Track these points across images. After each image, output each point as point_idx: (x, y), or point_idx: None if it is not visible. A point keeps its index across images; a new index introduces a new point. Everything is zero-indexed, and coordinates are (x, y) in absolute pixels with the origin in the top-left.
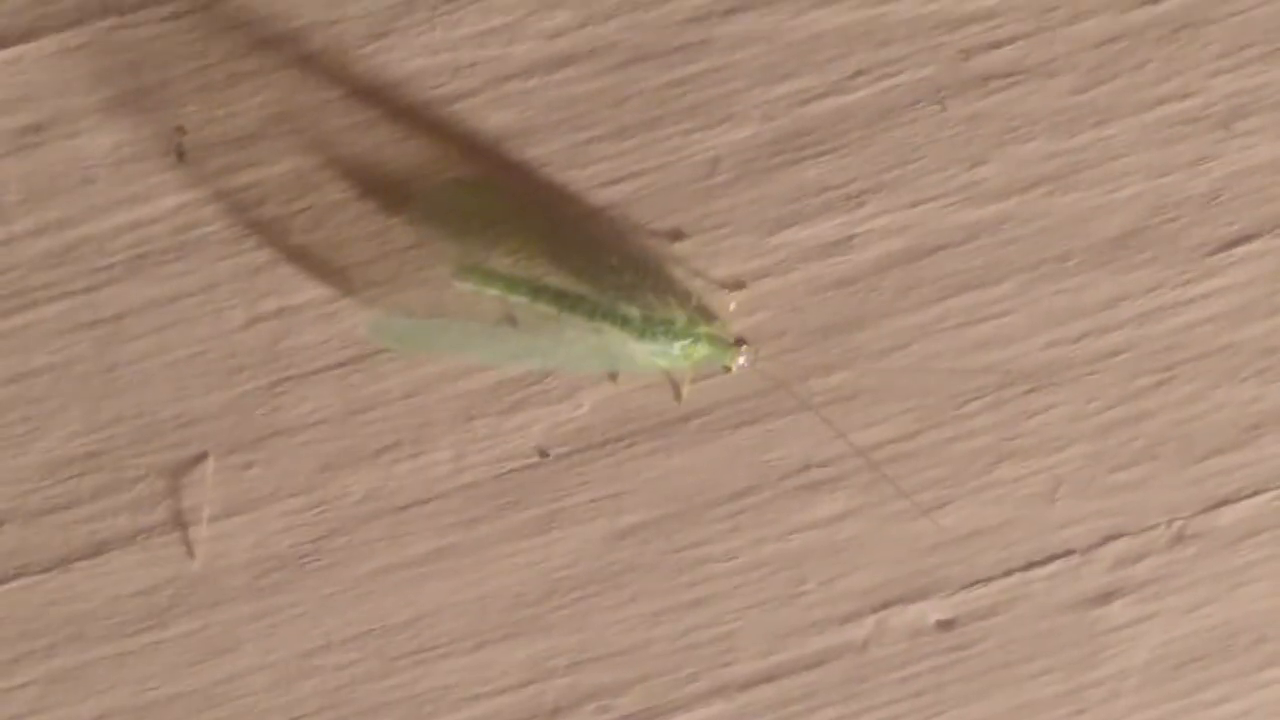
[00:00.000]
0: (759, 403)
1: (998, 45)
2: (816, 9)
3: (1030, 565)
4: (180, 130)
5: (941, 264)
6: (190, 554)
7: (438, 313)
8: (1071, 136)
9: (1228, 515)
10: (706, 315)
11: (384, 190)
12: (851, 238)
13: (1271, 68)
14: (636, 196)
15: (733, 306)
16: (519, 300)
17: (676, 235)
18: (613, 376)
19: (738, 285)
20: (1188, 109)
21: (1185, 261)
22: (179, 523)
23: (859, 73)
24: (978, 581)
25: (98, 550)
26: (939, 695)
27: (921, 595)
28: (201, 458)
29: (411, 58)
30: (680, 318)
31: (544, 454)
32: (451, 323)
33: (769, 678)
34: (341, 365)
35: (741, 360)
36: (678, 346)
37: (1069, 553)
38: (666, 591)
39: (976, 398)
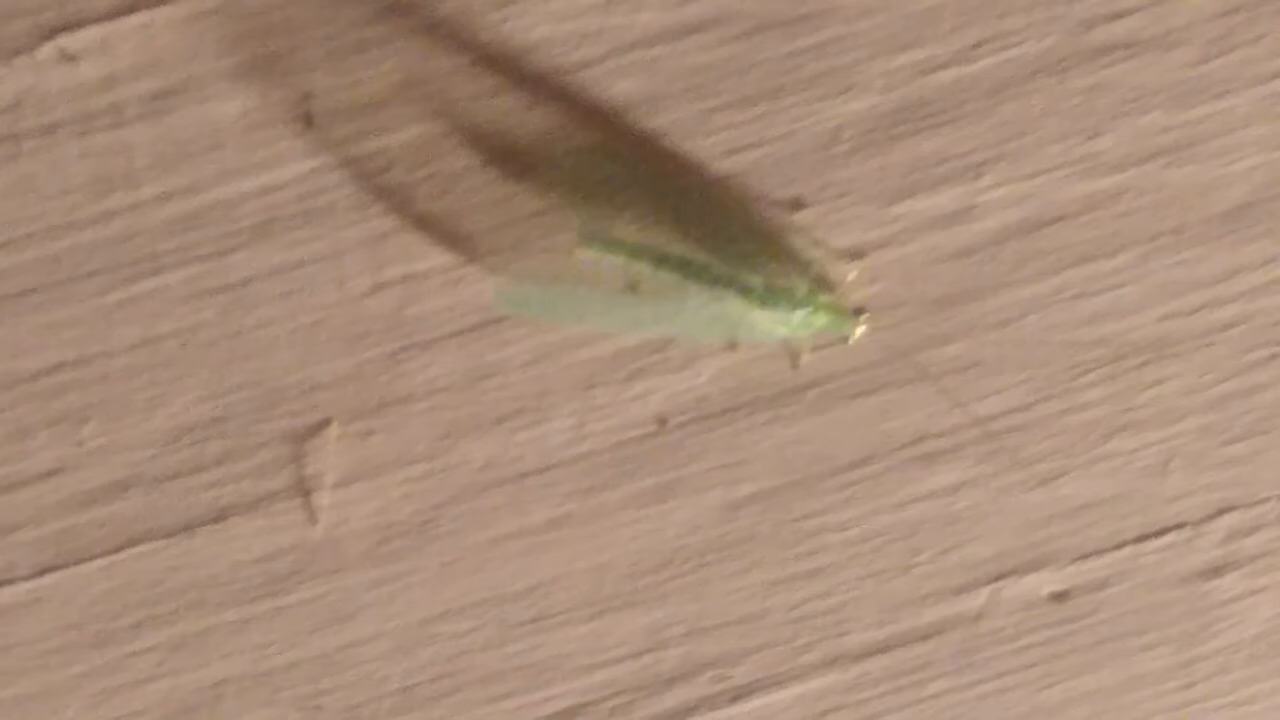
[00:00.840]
0: (876, 373)
1: (1117, 16)
2: None
3: (1143, 538)
4: (308, 96)
5: (1059, 235)
6: (312, 520)
7: (561, 280)
8: (1189, 109)
9: None
10: (826, 284)
11: (509, 158)
12: (970, 208)
13: None
14: (758, 165)
15: (852, 276)
16: (641, 268)
17: (797, 204)
18: (732, 345)
19: (857, 255)
20: None
21: None
22: (301, 489)
23: (980, 43)
24: (1090, 554)
25: (220, 516)
26: (1051, 667)
27: (1035, 567)
28: (325, 424)
29: (538, 25)
30: (800, 286)
31: (662, 423)
32: (574, 290)
33: (883, 648)
34: (464, 332)
35: (860, 329)
36: (798, 315)
37: (1181, 525)
38: (782, 561)
39: (1092, 369)
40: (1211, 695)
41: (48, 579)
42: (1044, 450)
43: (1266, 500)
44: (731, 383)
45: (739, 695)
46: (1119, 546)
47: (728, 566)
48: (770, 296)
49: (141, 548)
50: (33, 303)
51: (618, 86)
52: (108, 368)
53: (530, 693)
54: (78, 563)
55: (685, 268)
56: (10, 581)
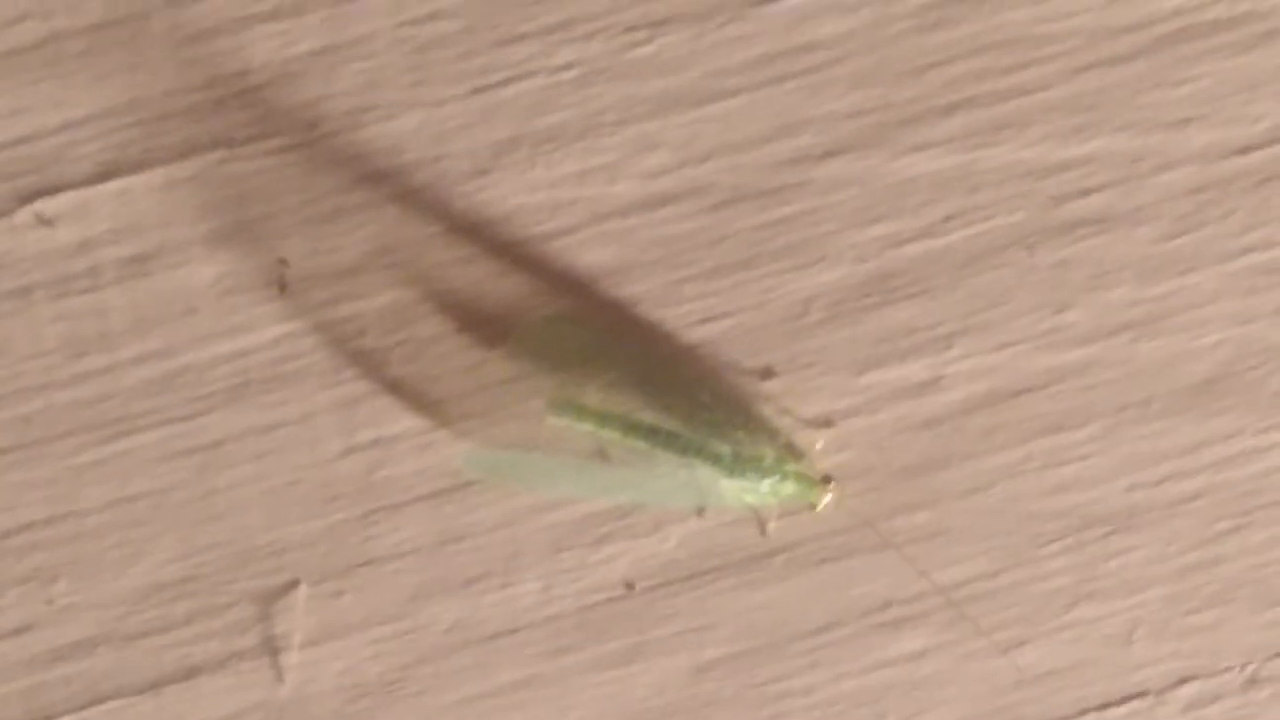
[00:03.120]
0: (843, 540)
1: (1087, 193)
2: (910, 154)
3: (1106, 705)
4: (283, 263)
5: (1026, 407)
6: (280, 679)
7: (531, 446)
8: (1157, 284)
9: None
10: (794, 453)
11: (481, 325)
12: (938, 379)
13: None
14: (729, 335)
15: (820, 445)
16: (611, 435)
17: (767, 373)
18: (700, 511)
19: (826, 424)
20: (1272, 259)
21: (1267, 408)
22: (270, 648)
23: (950, 217)
24: None
25: (189, 674)
26: None
27: None
28: (294, 585)
29: (512, 195)
30: (769, 455)
31: (630, 587)
32: (544, 456)
33: None
34: (434, 496)
35: (827, 498)
36: (766, 483)
37: (1144, 694)
38: None
39: (1057, 539)
40: None
41: None
42: (1008, 618)
43: (1228, 670)
44: (699, 548)
45: None
46: (1082, 714)
47: None
48: (738, 465)
49: (110, 705)
50: (6, 462)
51: (591, 255)
52: (79, 527)
53: None
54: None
55: (654, 436)
56: None
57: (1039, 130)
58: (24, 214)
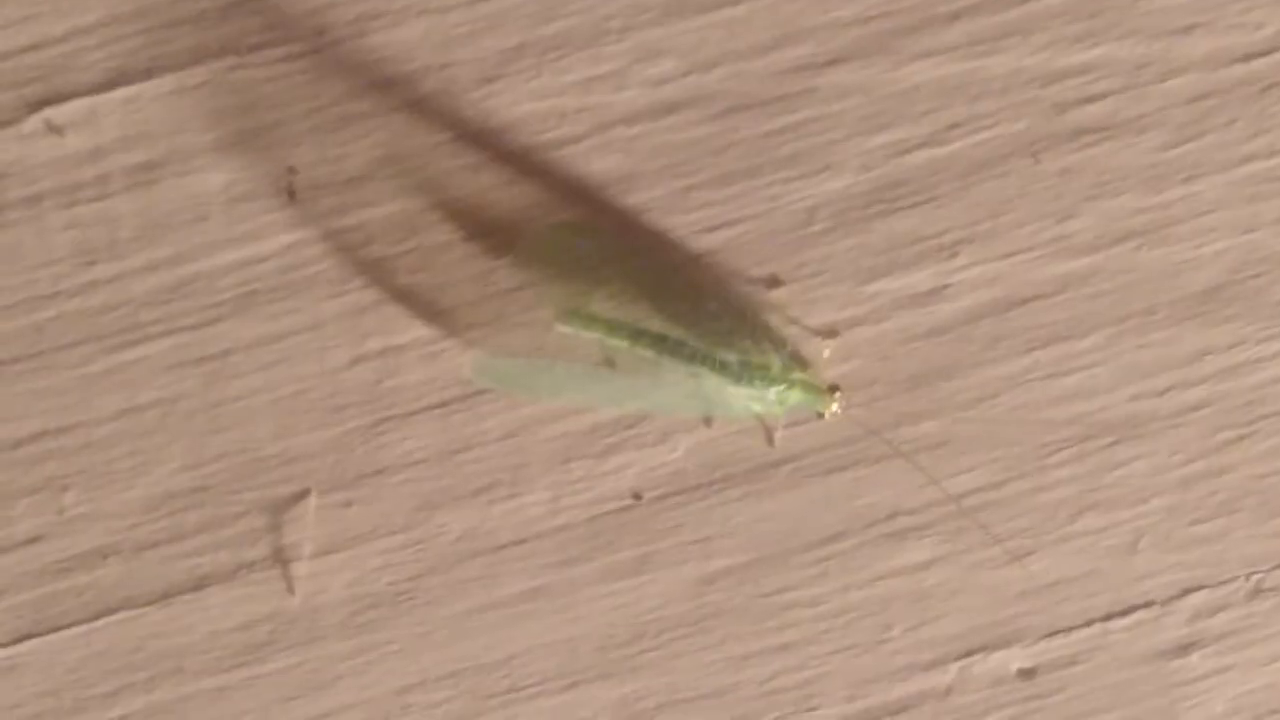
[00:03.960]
0: (850, 449)
1: (1090, 100)
2: (914, 62)
3: (1110, 615)
4: (291, 170)
5: (1031, 315)
6: (290, 590)
7: (538, 355)
8: (1160, 192)
9: None
10: (801, 362)
11: (489, 233)
12: (944, 288)
13: None
14: (735, 243)
15: (826, 353)
16: (618, 344)
17: (773, 282)
18: (707, 420)
19: (831, 333)
20: (1275, 167)
21: (1269, 317)
22: (279, 559)
23: (954, 125)
24: (1059, 631)
25: (199, 585)
26: None
27: (1004, 643)
28: (303, 495)
29: (519, 103)
30: (776, 363)
31: (637, 497)
32: (552, 364)
33: None
34: (442, 405)
35: (834, 406)
36: (773, 392)
37: (1149, 604)
38: (754, 635)
39: (1062, 448)
40: None
41: (25, 646)
42: (1014, 528)
43: (1233, 580)
44: (706, 458)
45: None
46: (1087, 624)
47: (700, 640)
48: (745, 373)
49: (120, 615)
50: (15, 371)
51: (597, 164)
52: (89, 436)
53: None
54: (56, 630)
55: (661, 344)
56: None
57: (1042, 37)
58: (33, 122)
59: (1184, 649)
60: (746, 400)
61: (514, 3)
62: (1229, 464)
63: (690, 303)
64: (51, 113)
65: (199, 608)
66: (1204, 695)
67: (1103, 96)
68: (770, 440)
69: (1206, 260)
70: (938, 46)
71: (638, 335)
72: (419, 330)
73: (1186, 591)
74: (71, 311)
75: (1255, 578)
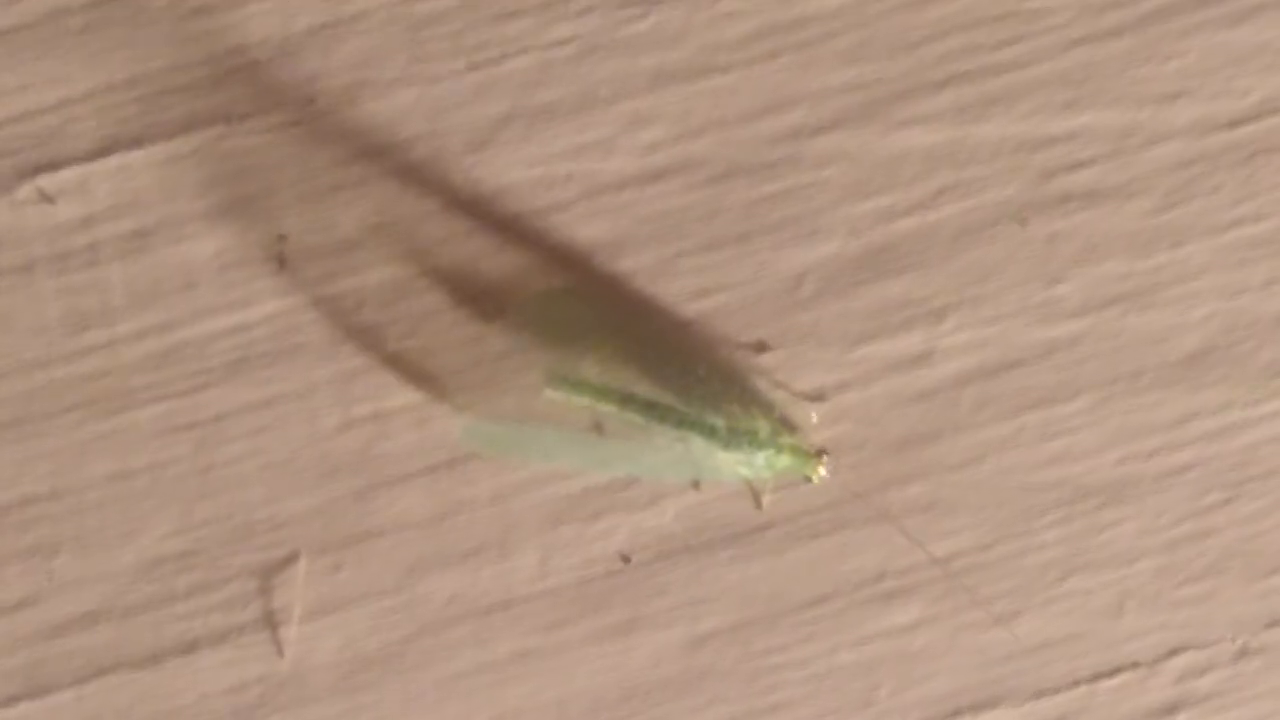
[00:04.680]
0: (837, 513)
1: (1077, 167)
2: (902, 129)
3: (1097, 677)
4: (282, 238)
5: (1018, 380)
6: (280, 653)
7: (528, 419)
8: (1147, 257)
9: None
10: (789, 426)
11: (478, 299)
12: (931, 352)
13: None
14: (723, 309)
15: (814, 418)
16: (607, 409)
17: (761, 347)
18: (696, 484)
19: (819, 397)
20: (1261, 232)
21: (1255, 381)
22: (269, 622)
23: (942, 191)
24: (1046, 692)
25: (189, 648)
26: None
27: (992, 704)
28: (293, 558)
29: (509, 169)
30: (764, 428)
31: (626, 559)
32: (541, 429)
33: None
34: (432, 470)
35: (822, 471)
36: (761, 456)
37: (1135, 665)
38: (743, 697)
39: (1049, 511)
40: None
41: (17, 709)
42: (1001, 590)
43: (1219, 641)
44: (695, 521)
45: None
46: (1074, 685)
47: (689, 701)
48: (733, 438)
49: (111, 678)
50: (6, 436)
51: (585, 230)
52: (80, 501)
53: None
54: (47, 693)
55: (650, 409)
56: None
57: (1029, 105)
58: (25, 190)
59: (1171, 710)
60: (734, 464)
61: (503, 72)
62: (1215, 526)
63: (678, 368)
64: (44, 181)
65: (189, 670)
66: None
67: (1090, 163)
68: (758, 504)
69: (1193, 325)
70: (926, 114)
71: (626, 400)
72: (408, 395)
73: (1173, 652)
74: (62, 378)
75: (1241, 639)
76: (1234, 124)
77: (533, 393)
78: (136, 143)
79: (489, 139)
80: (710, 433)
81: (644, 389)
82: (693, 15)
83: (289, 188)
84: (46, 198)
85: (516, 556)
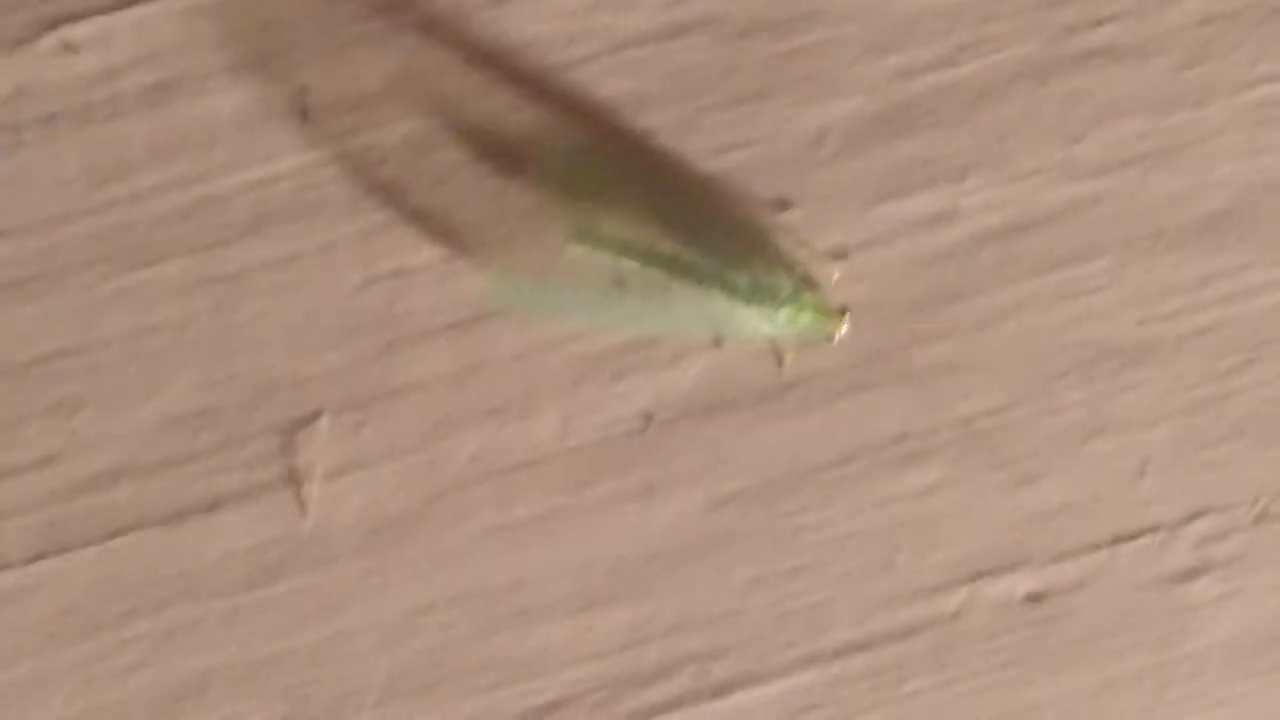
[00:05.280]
0: (858, 373)
1: (1098, 24)
2: None
3: (1117, 540)
4: (303, 91)
5: (1038, 239)
6: (302, 512)
7: (551, 275)
8: (1168, 116)
9: None
10: (810, 284)
11: (501, 154)
12: (952, 211)
13: None
14: (745, 165)
15: (836, 276)
16: (629, 265)
17: (783, 204)
18: (718, 342)
19: (841, 255)
20: None
21: (1276, 244)
22: (292, 480)
23: (963, 48)
24: (1066, 555)
25: (212, 506)
26: (1026, 667)
27: (1011, 567)
28: (315, 416)
29: (530, 23)
30: (785, 285)
31: (648, 419)
32: (563, 285)
33: (861, 647)
34: (454, 326)
35: (843, 328)
36: (782, 313)
37: (1156, 529)
38: (763, 559)
39: (1069, 372)
40: (1185, 698)
41: (39, 566)
42: (1021, 452)
43: (1240, 505)
44: (717, 381)
45: (720, 691)
46: (1094, 548)
47: (710, 563)
48: (755, 294)
49: (132, 536)
50: (28, 292)
51: (608, 85)
52: (101, 357)
53: (514, 685)
54: (69, 550)
55: (672, 265)
56: (2, 568)
57: None
58: (48, 41)
59: (1191, 574)
60: (756, 321)
61: None
62: (1236, 389)
63: (701, 225)
64: (66, 31)
65: (211, 529)
66: (1210, 620)
67: (1110, 20)
68: (780, 363)
69: (1214, 185)
70: None
71: (649, 256)
72: (431, 251)
73: (1193, 516)
74: (83, 232)
75: (1262, 503)
76: None
77: (556, 248)
78: None
79: None
80: (732, 289)
81: (666, 245)
82: None
83: (311, 41)
84: (70, 48)
85: (538, 415)
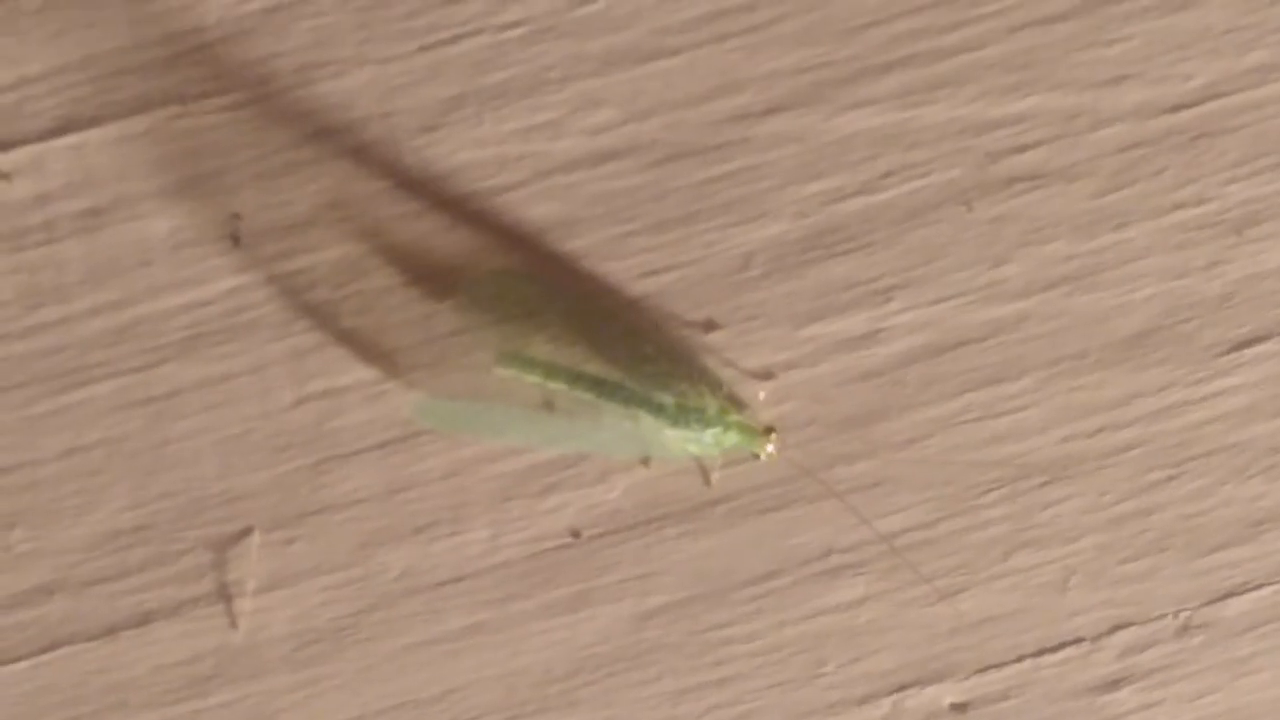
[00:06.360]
0: (785, 489)
1: (1022, 149)
2: (849, 111)
3: (1042, 652)
4: (236, 216)
5: (963, 359)
6: (233, 625)
7: (479, 396)
8: (1091, 239)
9: (1233, 607)
10: (737, 404)
11: (430, 278)
12: (878, 332)
13: None
14: (673, 288)
15: (762, 396)
16: (557, 386)
17: (710, 326)
18: (645, 461)
19: (767, 375)
20: (1203, 214)
21: (1197, 361)
22: (223, 595)
23: (888, 173)
24: (991, 666)
25: (143, 620)
26: None
27: (937, 678)
28: (247, 532)
29: (460, 150)
30: (712, 406)
31: (576, 535)
32: (491, 406)
33: None
34: (384, 445)
35: (770, 448)
36: (709, 434)
37: (1079, 640)
38: (691, 670)
39: (994, 489)
40: None
41: None
42: (946, 566)
43: (1162, 617)
44: (644, 497)
45: None
46: (1019, 660)
47: (638, 675)
48: (682, 415)
49: (65, 650)
50: None
51: (537, 210)
52: (36, 475)
53: None
54: (3, 664)
55: (599, 387)
56: None
57: (975, 88)
58: None
59: (1114, 684)
60: (683, 441)
61: (455, 53)
62: (1158, 504)
63: (628, 346)
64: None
65: (144, 643)
66: None
67: (1034, 146)
68: (707, 480)
69: (1137, 305)
70: (872, 96)
71: (576, 378)
72: (361, 372)
73: (1116, 628)
74: (18, 354)
75: (1184, 615)
76: (1177, 108)
77: (483, 370)
78: (92, 122)
79: (440, 120)
80: (659, 410)
81: (593, 367)
82: None
83: (243, 167)
84: (3, 176)
85: (468, 531)
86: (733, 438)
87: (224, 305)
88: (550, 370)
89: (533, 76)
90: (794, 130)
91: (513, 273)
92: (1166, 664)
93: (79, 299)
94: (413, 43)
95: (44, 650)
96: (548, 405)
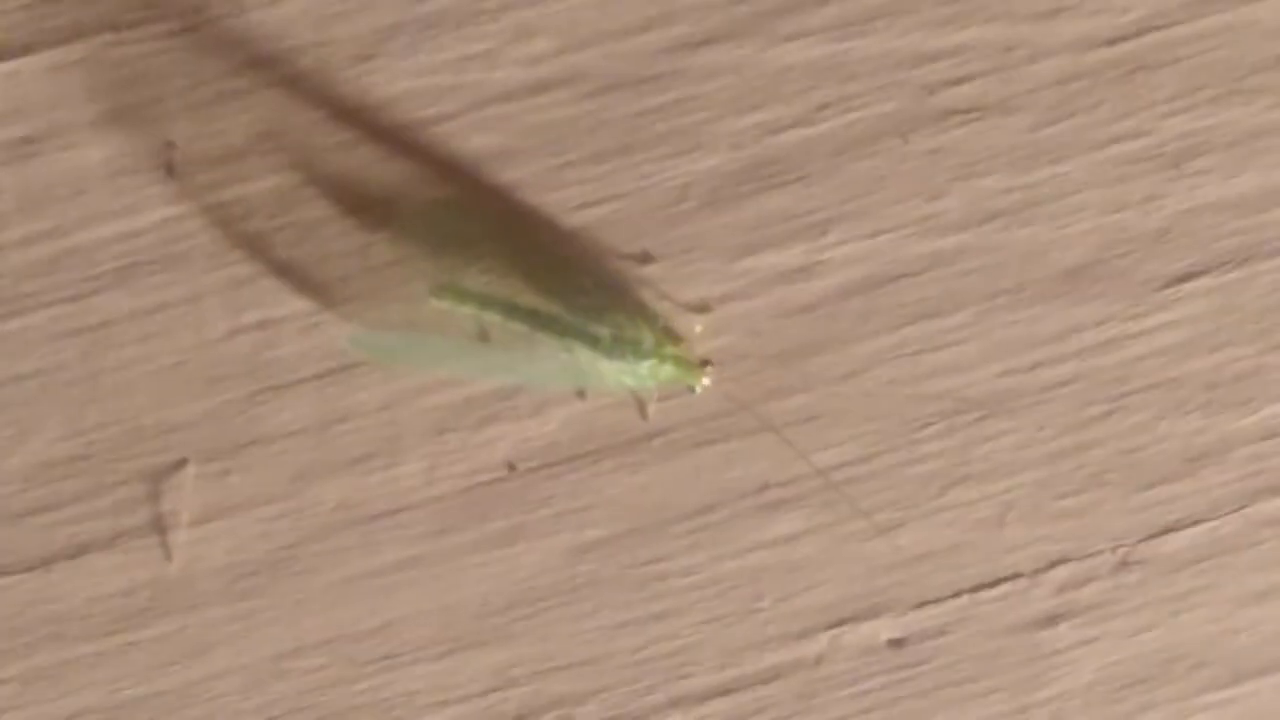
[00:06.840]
0: (721, 423)
1: (959, 82)
2: (785, 43)
3: (979, 587)
4: (170, 145)
5: (900, 292)
6: (168, 557)
7: (414, 328)
8: (1028, 172)
9: (1170, 543)
10: (673, 337)
11: (366, 208)
12: (814, 265)
13: (1220, 110)
14: (608, 220)
15: (698, 329)
16: (492, 318)
17: (646, 258)
18: (581, 394)
19: (703, 308)
20: (1140, 148)
21: (1135, 296)
22: (158, 527)
23: (824, 105)
24: (928, 602)
25: (78, 552)
26: (888, 712)
27: (873, 614)
28: (182, 464)
29: (395, 81)
30: (648, 338)
31: (512, 468)
32: (427, 337)
33: (724, 691)
34: (319, 377)
35: (706, 381)
36: (644, 366)
37: (1016, 576)
38: (627, 605)
39: (931, 423)
40: None
41: None
42: (884, 500)
43: (1099, 553)
44: (580, 430)
45: None
46: (956, 595)
47: (574, 609)
48: (617, 347)
49: (0, 581)
50: None
51: (472, 141)
52: None
53: None
54: None
55: (535, 318)
56: None
57: (911, 20)
58: None
59: (1051, 620)
60: (619, 374)
61: None
62: (1096, 439)
63: (563, 278)
64: None
65: (78, 574)
66: (1071, 666)
67: (971, 78)
68: (643, 413)
69: (1074, 239)
70: (808, 28)
71: (511, 310)
72: (296, 303)
73: (1054, 564)
74: None
75: (1121, 550)
76: (1114, 41)
77: (419, 301)
78: (24, 50)
79: (376, 49)
80: (594, 342)
81: (529, 299)
82: None
83: (177, 96)
84: None
85: (403, 464)
86: (669, 370)
87: (158, 235)
88: (486, 301)
89: (468, 5)
90: (730, 61)
91: (448, 203)
92: (1104, 600)
93: (12, 228)
94: None
95: None
96: (483, 337)
